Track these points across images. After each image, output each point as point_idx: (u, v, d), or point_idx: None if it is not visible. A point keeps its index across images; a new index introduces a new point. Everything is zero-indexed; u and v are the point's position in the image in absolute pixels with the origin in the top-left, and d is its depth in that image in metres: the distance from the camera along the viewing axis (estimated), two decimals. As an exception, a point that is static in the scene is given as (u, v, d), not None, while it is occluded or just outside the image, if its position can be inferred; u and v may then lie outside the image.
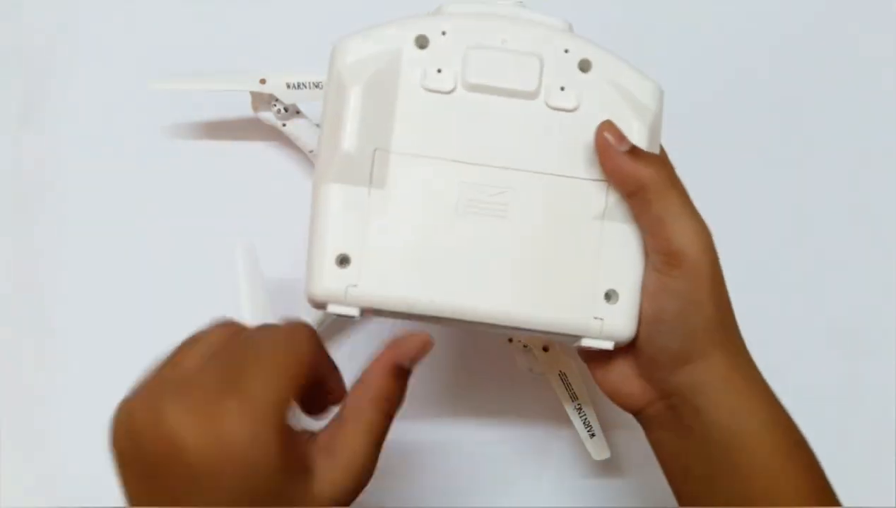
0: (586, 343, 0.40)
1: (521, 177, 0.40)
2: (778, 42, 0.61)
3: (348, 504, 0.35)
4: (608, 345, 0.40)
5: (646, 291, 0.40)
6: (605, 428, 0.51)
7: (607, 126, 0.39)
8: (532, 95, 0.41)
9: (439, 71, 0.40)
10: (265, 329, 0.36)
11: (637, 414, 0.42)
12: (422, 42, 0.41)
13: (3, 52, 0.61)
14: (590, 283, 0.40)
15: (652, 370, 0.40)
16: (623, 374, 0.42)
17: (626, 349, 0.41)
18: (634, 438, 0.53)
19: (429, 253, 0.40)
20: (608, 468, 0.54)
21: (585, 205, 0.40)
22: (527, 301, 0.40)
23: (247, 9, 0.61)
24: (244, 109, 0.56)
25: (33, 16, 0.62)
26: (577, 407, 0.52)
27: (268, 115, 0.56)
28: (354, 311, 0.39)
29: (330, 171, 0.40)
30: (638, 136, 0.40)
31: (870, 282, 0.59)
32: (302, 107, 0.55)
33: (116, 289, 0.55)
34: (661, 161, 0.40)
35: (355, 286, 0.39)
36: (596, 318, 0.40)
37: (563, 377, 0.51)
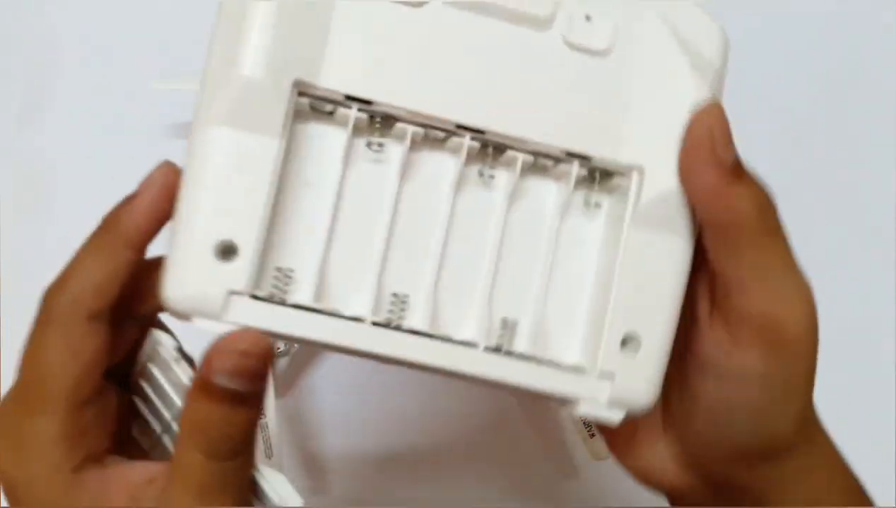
0: (584, 411, 0.28)
1: (509, 150, 0.29)
2: (783, 47, 0.62)
3: None
4: (616, 418, 0.28)
5: (711, 366, 0.29)
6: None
7: (714, 114, 0.27)
8: (543, 23, 0.28)
9: None
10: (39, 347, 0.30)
11: (670, 495, 0.33)
12: None
13: (3, 52, 0.61)
14: (596, 321, 0.29)
15: (703, 462, 0.31)
16: (655, 456, 0.32)
17: (659, 426, 0.31)
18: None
19: (366, 248, 0.28)
20: (608, 467, 0.54)
21: (601, 201, 0.30)
22: (498, 339, 0.29)
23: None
24: (244, 109, 0.56)
25: (33, 16, 0.62)
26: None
27: (268, 115, 0.55)
28: (232, 329, 0.27)
29: (217, 108, 0.27)
30: (693, 104, 0.28)
31: (870, 282, 0.59)
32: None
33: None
34: (765, 192, 0.28)
35: (240, 294, 0.27)
36: (603, 376, 0.28)
37: None
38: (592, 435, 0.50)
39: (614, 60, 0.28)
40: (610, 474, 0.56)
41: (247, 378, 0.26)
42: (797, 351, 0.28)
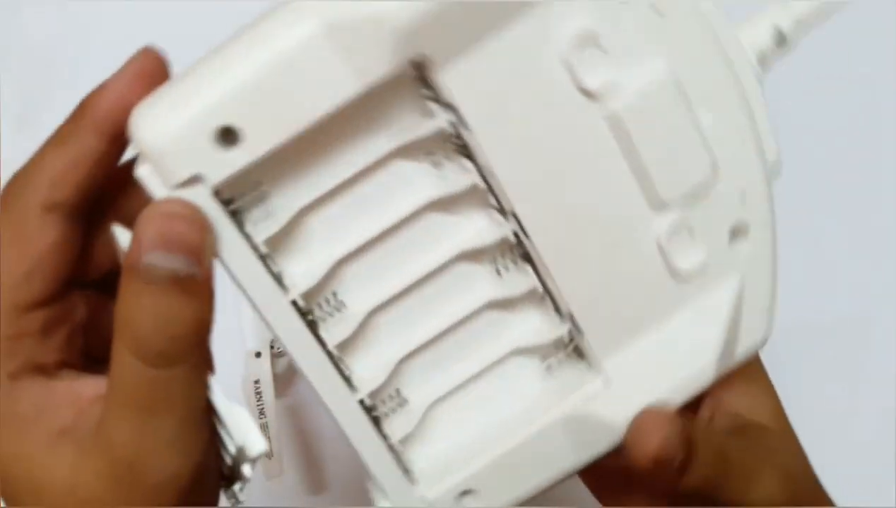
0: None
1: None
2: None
3: None
4: None
5: None
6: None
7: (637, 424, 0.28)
8: None
9: None
10: None
11: None
12: None
13: (2, 52, 0.61)
14: None
15: None
16: None
17: None
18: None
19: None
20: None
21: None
22: None
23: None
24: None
25: (33, 16, 0.62)
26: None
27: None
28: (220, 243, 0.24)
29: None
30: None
31: (871, 281, 0.59)
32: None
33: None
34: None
35: (207, 183, 0.24)
36: None
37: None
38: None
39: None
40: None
41: (181, 251, 0.23)
42: None
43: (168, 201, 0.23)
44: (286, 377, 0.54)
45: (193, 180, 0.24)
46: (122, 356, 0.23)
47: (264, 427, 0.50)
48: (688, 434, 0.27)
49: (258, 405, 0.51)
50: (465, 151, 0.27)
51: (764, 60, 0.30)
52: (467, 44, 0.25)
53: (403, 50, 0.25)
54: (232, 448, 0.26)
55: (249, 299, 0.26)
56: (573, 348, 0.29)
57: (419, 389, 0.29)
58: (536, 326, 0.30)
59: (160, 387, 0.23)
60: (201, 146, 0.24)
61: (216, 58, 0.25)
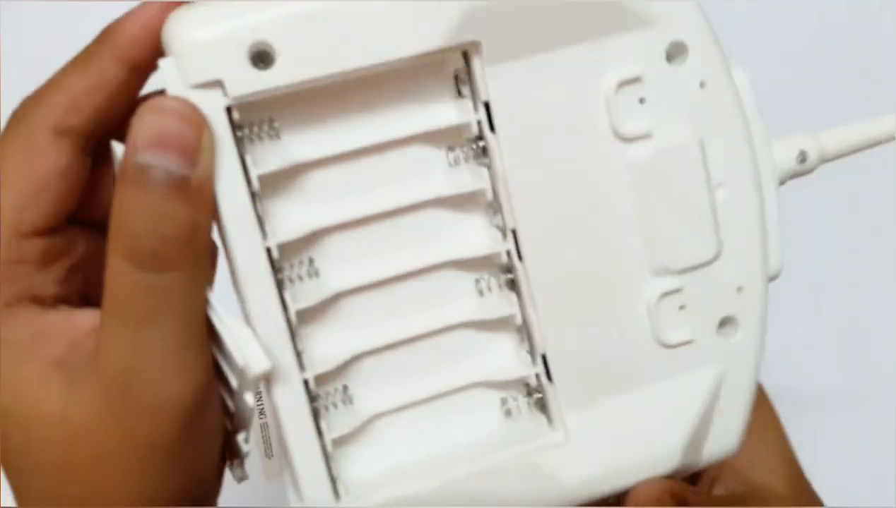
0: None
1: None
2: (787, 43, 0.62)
3: None
4: None
5: None
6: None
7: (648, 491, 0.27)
8: None
9: None
10: None
11: None
12: None
13: (2, 53, 0.61)
14: None
15: None
16: None
17: None
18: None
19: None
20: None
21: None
22: None
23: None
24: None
25: (33, 16, 0.62)
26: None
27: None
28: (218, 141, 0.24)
29: None
30: None
31: (870, 281, 0.59)
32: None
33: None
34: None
35: (228, 97, 0.24)
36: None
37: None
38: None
39: None
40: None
41: (175, 150, 0.22)
42: None
43: (167, 97, 0.22)
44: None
45: (211, 85, 0.23)
46: (116, 262, 0.22)
47: (264, 427, 0.50)
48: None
49: (258, 405, 0.50)
50: (484, 157, 0.27)
51: (784, 175, 0.31)
52: (522, 52, 0.26)
53: (462, 30, 0.25)
54: (234, 379, 0.25)
55: (223, 232, 0.24)
56: (536, 399, 0.28)
57: (369, 393, 0.27)
58: (506, 361, 0.28)
59: (154, 294, 0.22)
60: (232, 55, 0.23)
61: None
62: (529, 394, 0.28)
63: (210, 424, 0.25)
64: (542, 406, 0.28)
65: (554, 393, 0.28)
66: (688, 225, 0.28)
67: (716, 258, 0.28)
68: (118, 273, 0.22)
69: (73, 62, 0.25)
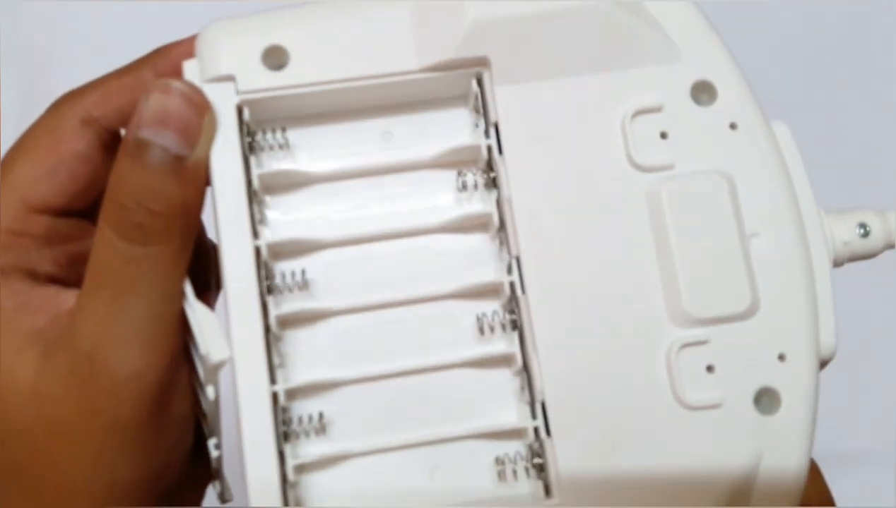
0: None
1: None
2: (779, 42, 0.62)
3: None
4: None
5: None
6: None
7: None
8: None
9: None
10: None
11: None
12: None
13: (2, 52, 0.61)
14: None
15: None
16: None
17: None
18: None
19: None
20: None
21: None
22: None
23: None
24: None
25: (33, 16, 0.62)
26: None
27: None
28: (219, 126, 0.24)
29: None
30: None
31: (870, 281, 0.59)
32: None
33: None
34: None
35: (243, 93, 0.25)
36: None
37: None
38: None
39: None
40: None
41: (174, 129, 0.23)
42: None
43: (176, 80, 0.24)
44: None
45: (224, 79, 0.24)
46: (103, 232, 0.23)
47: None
48: None
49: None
50: (495, 184, 0.26)
51: (841, 249, 0.27)
52: (535, 75, 0.25)
53: (473, 43, 0.25)
54: (200, 370, 0.24)
55: (216, 224, 0.24)
56: (535, 463, 0.25)
57: (346, 425, 0.25)
58: (503, 412, 0.25)
59: (134, 265, 0.23)
60: (247, 54, 0.25)
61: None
62: (529, 456, 0.25)
63: (177, 411, 0.25)
64: (540, 469, 0.25)
65: (552, 452, 0.24)
66: (714, 268, 0.24)
67: (750, 313, 0.24)
68: (104, 242, 0.23)
69: (116, 70, 0.27)
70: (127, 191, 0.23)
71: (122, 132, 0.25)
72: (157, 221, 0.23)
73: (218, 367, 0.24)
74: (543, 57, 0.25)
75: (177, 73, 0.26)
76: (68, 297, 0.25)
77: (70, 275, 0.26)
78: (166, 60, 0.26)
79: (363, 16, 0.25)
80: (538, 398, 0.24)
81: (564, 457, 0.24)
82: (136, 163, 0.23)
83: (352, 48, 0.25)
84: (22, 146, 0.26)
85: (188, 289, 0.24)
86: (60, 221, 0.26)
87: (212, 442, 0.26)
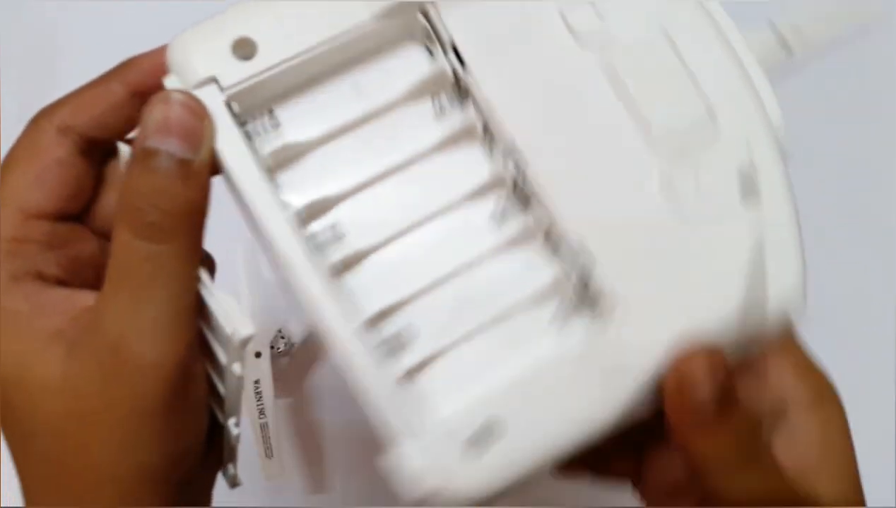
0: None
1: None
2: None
3: None
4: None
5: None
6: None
7: (693, 360, 0.25)
8: None
9: None
10: None
11: None
12: None
13: (3, 52, 0.61)
14: None
15: None
16: None
17: None
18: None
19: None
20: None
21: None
22: None
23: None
24: (244, 109, 0.56)
25: (34, 16, 0.62)
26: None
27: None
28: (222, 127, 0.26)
29: None
30: None
31: (870, 281, 0.59)
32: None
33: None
34: (747, 423, 0.26)
35: (220, 88, 0.26)
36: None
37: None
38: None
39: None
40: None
41: (178, 136, 0.25)
42: None
43: (174, 91, 0.25)
44: (287, 377, 0.54)
45: (207, 83, 0.26)
46: (120, 234, 0.25)
47: (264, 427, 0.50)
48: (732, 385, 0.25)
49: (258, 405, 0.51)
50: (466, 94, 0.29)
51: (766, 58, 0.30)
52: None
53: None
54: (222, 353, 0.27)
55: (250, 211, 0.26)
56: (583, 289, 0.28)
57: (425, 334, 0.28)
58: (542, 272, 0.29)
59: (152, 262, 0.25)
60: (219, 53, 0.27)
61: None
62: (577, 292, 0.28)
63: (194, 396, 0.27)
64: (590, 298, 0.28)
65: (601, 275, 0.27)
66: (672, 96, 0.29)
67: (710, 119, 0.29)
68: (121, 243, 0.25)
69: (88, 82, 0.29)
70: (140, 195, 0.25)
71: (122, 148, 0.28)
72: (169, 220, 0.25)
73: (245, 343, 0.26)
74: None
75: (145, 82, 0.28)
76: (81, 298, 0.27)
77: (73, 277, 0.28)
78: (135, 71, 0.28)
79: None
80: (574, 247, 0.28)
81: (609, 274, 0.27)
82: (145, 170, 0.25)
83: (309, 18, 0.27)
84: (8, 160, 0.28)
85: (205, 276, 0.26)
86: (57, 226, 0.28)
87: (231, 421, 0.28)
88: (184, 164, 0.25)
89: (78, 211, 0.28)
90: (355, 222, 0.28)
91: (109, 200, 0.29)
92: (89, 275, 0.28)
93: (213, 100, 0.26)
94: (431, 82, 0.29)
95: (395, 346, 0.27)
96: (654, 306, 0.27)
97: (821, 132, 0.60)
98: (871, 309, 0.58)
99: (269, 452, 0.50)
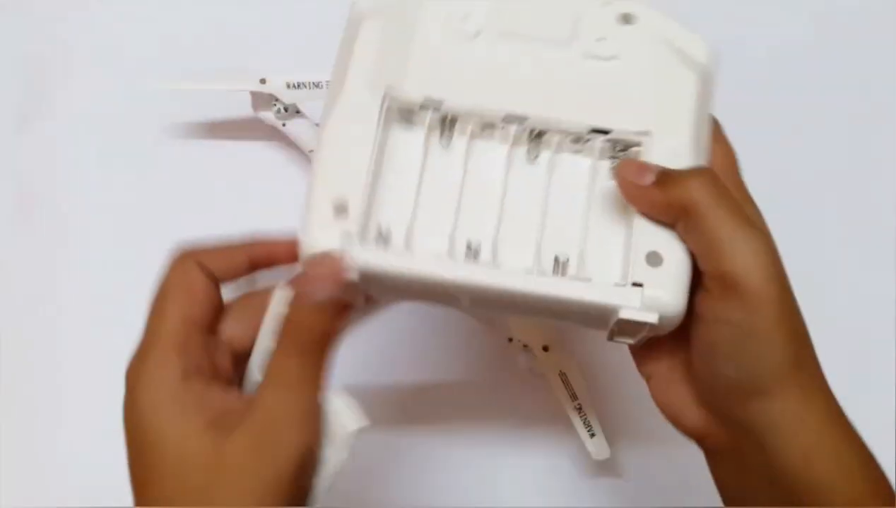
0: (625, 314, 0.34)
1: (547, 133, 0.37)
2: (778, 44, 0.62)
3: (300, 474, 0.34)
4: (652, 318, 0.34)
5: (700, 317, 0.35)
6: (606, 430, 0.51)
7: (623, 166, 0.35)
8: (566, 43, 0.37)
9: (466, 15, 0.38)
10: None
11: (698, 441, 0.38)
12: None
13: (2, 53, 0.61)
14: (625, 247, 0.35)
15: (711, 399, 0.36)
16: (681, 397, 0.37)
17: (682, 368, 0.37)
18: (635, 439, 0.53)
19: (441, 212, 0.36)
20: (608, 468, 0.54)
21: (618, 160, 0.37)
22: (552, 269, 0.36)
23: (247, 8, 0.61)
24: (244, 109, 0.56)
25: (33, 16, 0.62)
26: (577, 406, 0.51)
27: (268, 115, 0.56)
28: (351, 273, 0.34)
29: (334, 111, 0.36)
30: (691, 89, 0.37)
31: (870, 281, 0.59)
32: (302, 107, 0.55)
33: (117, 290, 0.55)
34: (700, 175, 0.35)
35: (351, 238, 0.34)
36: (635, 284, 0.34)
37: (563, 376, 0.51)
38: (593, 435, 0.51)
39: (622, 63, 0.37)
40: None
41: (321, 285, 0.34)
42: (758, 300, 0.33)
43: (324, 256, 0.34)
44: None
45: (345, 240, 0.34)
46: (280, 347, 0.35)
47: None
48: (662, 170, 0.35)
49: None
50: (454, 121, 0.37)
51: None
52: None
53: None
54: (329, 441, 0.35)
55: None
56: (617, 146, 0.37)
57: (568, 247, 0.36)
58: (585, 160, 0.37)
59: (298, 369, 0.34)
60: (332, 223, 0.34)
61: (311, 180, 0.36)
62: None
63: (311, 468, 0.35)
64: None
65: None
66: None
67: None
68: (279, 353, 0.35)
69: (222, 242, 0.38)
70: (296, 323, 0.34)
71: (276, 289, 0.37)
72: (318, 340, 0.34)
73: (353, 435, 0.35)
74: None
75: (265, 259, 0.38)
76: (233, 396, 0.35)
77: (216, 376, 0.36)
78: (260, 249, 0.38)
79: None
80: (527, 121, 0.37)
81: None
82: (300, 306, 0.34)
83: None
84: (166, 285, 0.36)
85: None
86: (206, 336, 0.36)
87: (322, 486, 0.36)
88: (322, 305, 0.34)
89: (214, 326, 0.37)
90: (475, 232, 0.36)
91: (229, 322, 0.37)
92: (224, 375, 0.36)
93: (350, 247, 0.34)
94: (430, 135, 0.37)
95: (562, 268, 0.36)
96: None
97: (821, 128, 0.60)
98: (871, 309, 0.58)
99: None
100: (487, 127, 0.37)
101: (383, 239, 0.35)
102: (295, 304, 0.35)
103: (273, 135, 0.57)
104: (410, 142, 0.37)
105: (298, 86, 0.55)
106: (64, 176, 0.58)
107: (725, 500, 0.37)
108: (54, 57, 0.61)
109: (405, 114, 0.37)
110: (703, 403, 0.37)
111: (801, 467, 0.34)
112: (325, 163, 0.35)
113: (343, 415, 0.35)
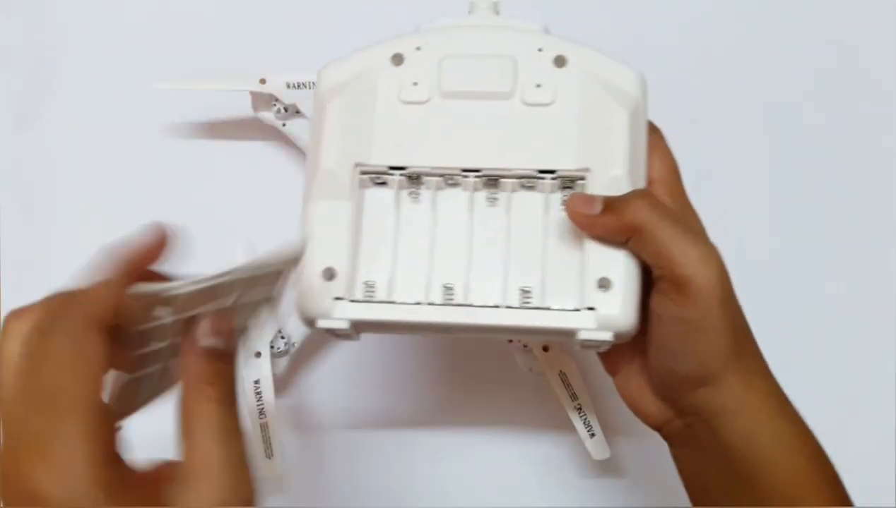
0: (584, 335, 0.38)
1: (501, 179, 0.40)
2: (768, 44, 0.62)
3: None
4: (607, 336, 0.38)
5: (657, 316, 0.38)
6: (606, 429, 0.51)
7: (571, 200, 0.39)
8: (507, 95, 0.41)
9: (415, 84, 0.41)
10: (53, 349, 0.32)
11: (658, 430, 0.42)
12: (397, 59, 0.42)
13: (2, 53, 0.61)
14: (579, 274, 0.39)
15: (664, 390, 0.40)
16: (641, 390, 0.41)
17: (641, 365, 0.41)
18: (634, 439, 0.53)
19: (417, 259, 0.40)
20: (608, 468, 0.54)
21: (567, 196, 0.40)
22: (518, 301, 0.39)
23: (247, 8, 0.61)
24: (244, 109, 0.56)
25: (33, 16, 0.62)
26: (577, 406, 0.51)
27: (268, 115, 0.56)
28: (343, 324, 0.39)
29: (313, 189, 0.41)
30: (623, 121, 0.40)
31: (870, 281, 0.59)
32: (302, 107, 0.55)
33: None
34: (640, 197, 0.38)
35: (341, 299, 0.39)
36: (589, 309, 0.38)
37: (563, 377, 0.51)
38: (593, 435, 0.51)
39: (559, 106, 0.41)
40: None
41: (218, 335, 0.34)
42: (704, 299, 0.37)
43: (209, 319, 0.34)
44: (286, 377, 0.54)
45: (336, 300, 0.39)
46: (199, 399, 0.33)
47: (264, 427, 0.50)
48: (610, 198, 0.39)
49: (258, 405, 0.51)
50: (419, 177, 0.41)
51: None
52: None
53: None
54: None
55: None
56: (563, 182, 0.40)
57: (530, 279, 0.40)
58: (538, 196, 0.41)
59: (228, 416, 0.32)
60: (323, 287, 0.39)
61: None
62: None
63: None
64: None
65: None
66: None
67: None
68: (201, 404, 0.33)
69: (89, 281, 0.35)
70: (209, 375, 0.33)
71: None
72: (230, 388, 0.33)
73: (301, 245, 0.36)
74: None
75: (132, 274, 0.35)
76: (152, 470, 0.33)
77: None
78: (129, 263, 0.36)
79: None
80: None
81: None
82: (202, 356, 0.33)
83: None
84: (57, 379, 0.31)
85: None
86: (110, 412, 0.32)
87: None
88: (214, 351, 0.33)
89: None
90: (449, 275, 0.40)
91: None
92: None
93: (341, 305, 0.40)
94: (399, 192, 0.41)
95: (526, 299, 0.40)
96: None
97: (822, 129, 0.60)
98: (871, 310, 0.58)
99: (268, 452, 0.50)
100: (449, 178, 0.41)
101: (369, 290, 0.40)
102: (189, 352, 0.33)
103: (273, 135, 0.57)
104: (384, 197, 0.41)
105: (298, 86, 0.55)
106: (63, 176, 0.59)
107: (686, 483, 0.41)
108: (54, 57, 0.61)
109: (375, 177, 0.41)
110: (659, 393, 0.41)
111: (746, 445, 0.38)
112: (310, 236, 0.40)
113: (279, 249, 0.34)
